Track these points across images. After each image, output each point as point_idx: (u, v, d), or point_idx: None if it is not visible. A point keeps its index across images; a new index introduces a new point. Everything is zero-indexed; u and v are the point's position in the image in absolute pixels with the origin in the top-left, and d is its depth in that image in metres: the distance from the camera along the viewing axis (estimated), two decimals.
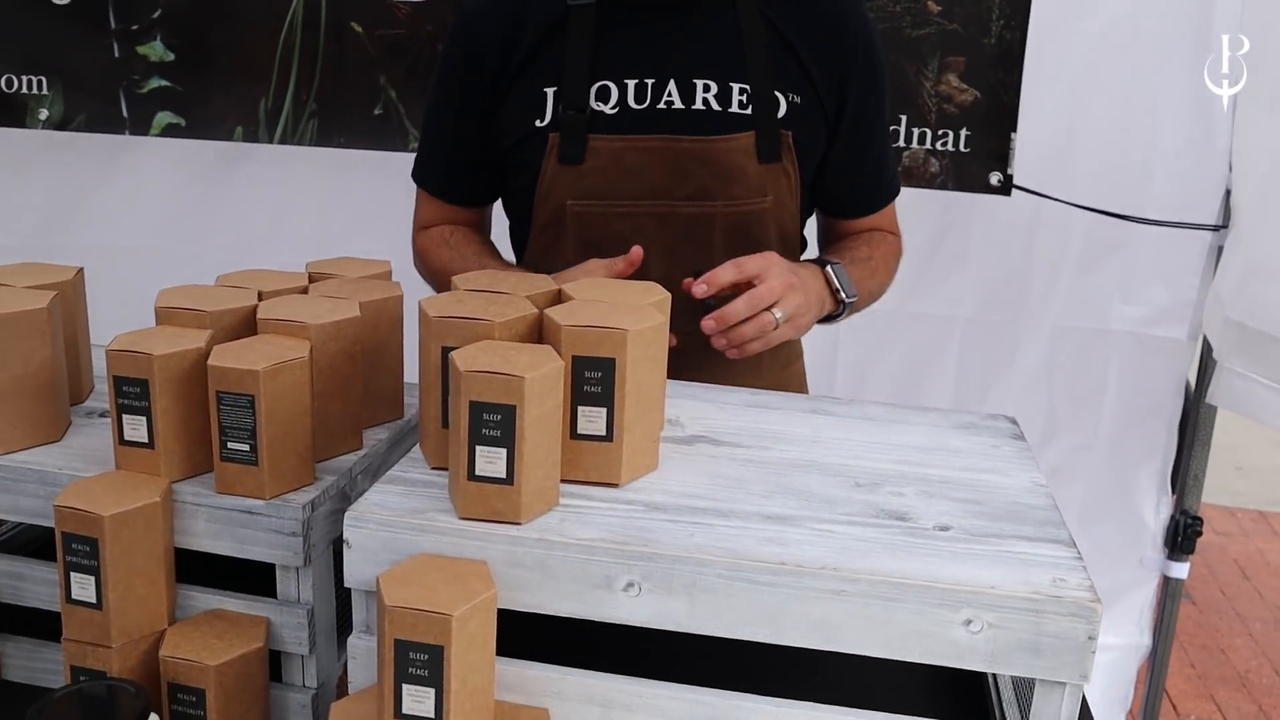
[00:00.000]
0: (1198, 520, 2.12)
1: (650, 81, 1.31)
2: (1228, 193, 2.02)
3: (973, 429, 1.11)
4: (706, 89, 1.31)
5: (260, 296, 1.06)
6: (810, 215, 1.48)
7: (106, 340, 1.17)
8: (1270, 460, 3.99)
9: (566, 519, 0.85)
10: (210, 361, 0.90)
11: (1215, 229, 2.05)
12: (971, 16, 1.92)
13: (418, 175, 1.50)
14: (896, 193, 1.50)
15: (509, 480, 0.82)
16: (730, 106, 1.31)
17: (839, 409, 1.14)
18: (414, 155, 2.14)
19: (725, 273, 1.19)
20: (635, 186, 1.31)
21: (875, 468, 0.99)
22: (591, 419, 0.89)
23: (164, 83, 2.23)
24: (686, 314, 1.18)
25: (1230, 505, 3.69)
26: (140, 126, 2.26)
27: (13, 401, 0.98)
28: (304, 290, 1.11)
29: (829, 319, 1.35)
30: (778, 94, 1.32)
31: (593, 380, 0.89)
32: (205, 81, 2.21)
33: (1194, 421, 2.13)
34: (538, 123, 1.33)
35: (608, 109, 1.31)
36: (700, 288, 1.18)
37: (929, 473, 0.99)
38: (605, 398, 0.89)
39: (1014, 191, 1.99)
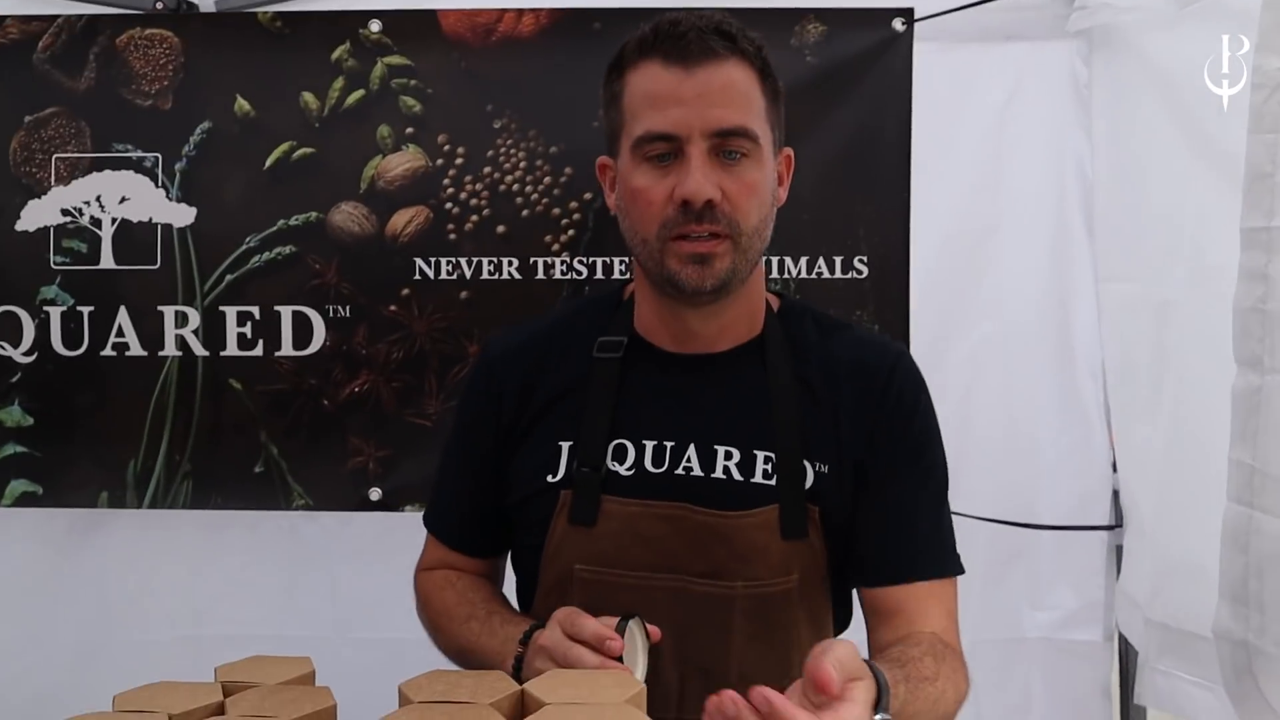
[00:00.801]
0: None
1: (670, 444, 1.23)
2: (1115, 493, 2.09)
3: None
4: (729, 456, 1.22)
5: None
6: (844, 590, 1.34)
7: None
8: None
9: None
10: None
11: (1110, 529, 2.09)
12: None
13: (428, 520, 1.41)
14: (942, 573, 1.28)
15: None
16: (754, 476, 1.21)
17: None
18: (294, 512, 2.08)
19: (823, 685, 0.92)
20: (648, 556, 1.20)
21: None
22: None
23: (19, 449, 2.08)
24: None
25: None
26: None
27: None
28: (220, 709, 0.97)
29: None
30: (805, 464, 1.22)
31: None
32: (67, 446, 2.07)
33: None
34: (550, 478, 1.25)
35: (623, 470, 1.23)
36: None
37: None
38: None
39: None
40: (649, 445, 1.24)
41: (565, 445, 1.25)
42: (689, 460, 1.23)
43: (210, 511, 2.09)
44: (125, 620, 2.12)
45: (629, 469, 1.23)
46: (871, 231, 2.01)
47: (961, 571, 1.31)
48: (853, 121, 2.01)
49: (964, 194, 2.09)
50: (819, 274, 2.02)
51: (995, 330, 2.10)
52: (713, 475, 1.22)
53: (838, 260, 2.02)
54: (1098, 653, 2.10)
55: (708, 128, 1.14)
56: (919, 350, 2.04)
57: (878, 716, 0.99)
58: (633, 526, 1.21)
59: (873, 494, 1.26)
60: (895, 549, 1.26)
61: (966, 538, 2.06)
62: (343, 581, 2.16)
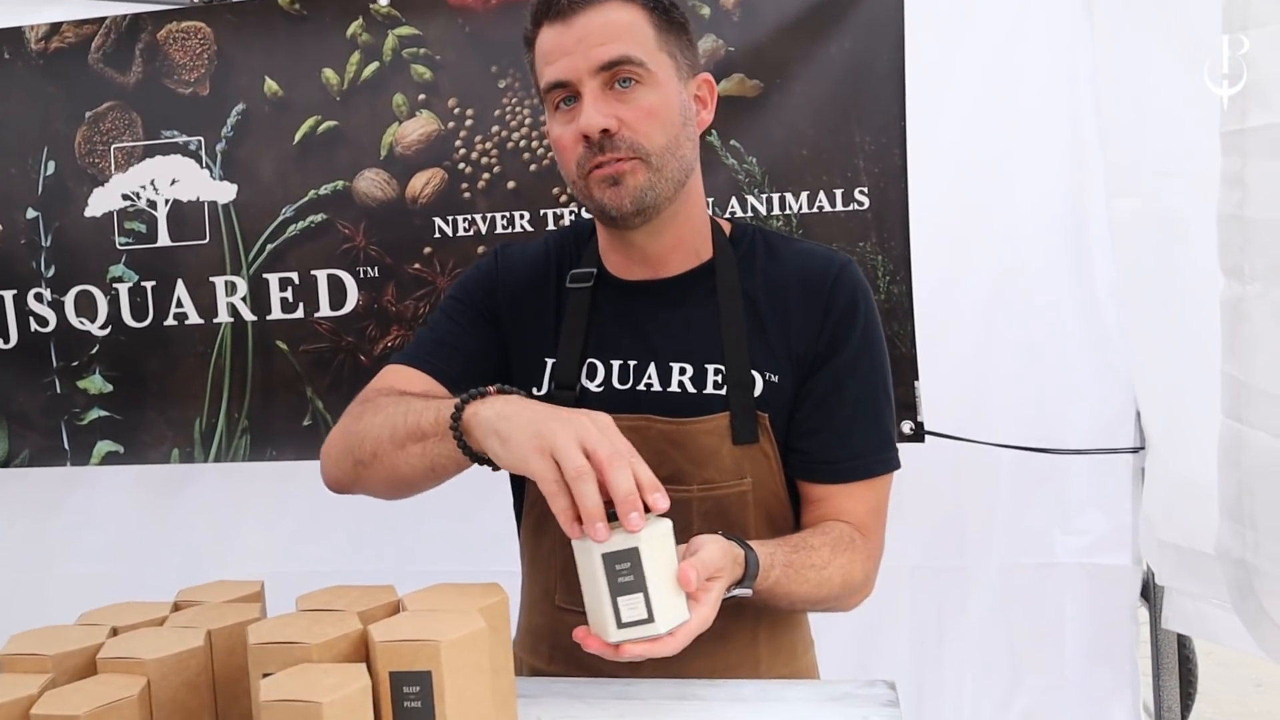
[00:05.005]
0: None
1: (633, 363, 1.36)
2: (1139, 414, 2.05)
3: (847, 699, 1.08)
4: (682, 371, 1.34)
5: (115, 633, 1.06)
6: None
7: None
8: None
9: None
10: (33, 711, 0.89)
11: (1134, 451, 2.06)
12: None
13: (396, 358, 1.41)
14: (869, 474, 1.32)
15: None
16: (705, 388, 1.32)
17: (708, 692, 1.11)
18: None
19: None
20: None
21: None
22: None
23: (103, 413, 2.31)
24: None
25: None
26: (81, 457, 2.33)
27: None
28: (162, 621, 1.10)
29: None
30: (754, 374, 1.31)
31: (411, 695, 0.87)
32: (142, 409, 2.29)
33: (1155, 649, 2.06)
34: (535, 390, 1.38)
35: (594, 387, 1.36)
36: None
37: None
38: (425, 713, 0.87)
39: (927, 438, 2.00)
40: (615, 365, 1.36)
41: (550, 362, 1.38)
42: (649, 377, 1.35)
43: (278, 464, 2.28)
44: (216, 561, 2.33)
45: (599, 386, 1.36)
46: (871, 163, 2.02)
47: (895, 467, 1.35)
48: (846, 52, 2.01)
49: (971, 118, 2.07)
50: (820, 208, 2.04)
51: (1012, 255, 2.08)
52: (669, 389, 1.33)
53: (838, 193, 2.03)
54: (1127, 576, 2.08)
55: (592, 65, 1.23)
56: (934, 280, 2.05)
57: (733, 591, 1.09)
58: None
59: (813, 397, 1.33)
60: (828, 452, 1.32)
61: (992, 463, 2.11)
62: (402, 522, 2.31)
